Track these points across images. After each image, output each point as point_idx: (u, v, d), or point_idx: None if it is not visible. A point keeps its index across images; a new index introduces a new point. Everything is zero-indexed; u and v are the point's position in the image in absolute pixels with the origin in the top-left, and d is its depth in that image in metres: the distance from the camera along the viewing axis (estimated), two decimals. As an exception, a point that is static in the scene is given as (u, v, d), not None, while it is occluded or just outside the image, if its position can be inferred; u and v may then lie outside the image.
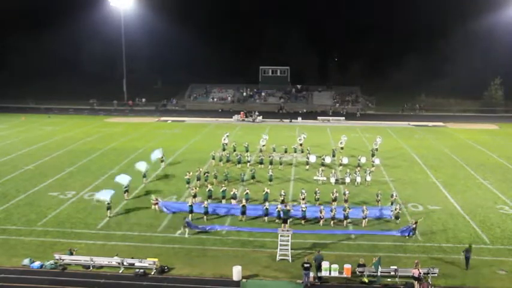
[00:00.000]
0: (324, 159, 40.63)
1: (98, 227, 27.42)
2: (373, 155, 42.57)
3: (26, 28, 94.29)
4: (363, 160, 40.57)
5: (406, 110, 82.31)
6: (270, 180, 35.40)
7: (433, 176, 38.97)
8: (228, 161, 41.84)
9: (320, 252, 22.63)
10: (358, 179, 35.64)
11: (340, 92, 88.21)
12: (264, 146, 46.50)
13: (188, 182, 34.20)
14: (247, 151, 43.29)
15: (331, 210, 27.88)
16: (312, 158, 41.01)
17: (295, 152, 44.25)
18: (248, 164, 40.43)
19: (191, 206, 28.66)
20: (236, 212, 29.16)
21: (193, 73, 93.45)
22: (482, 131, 63.40)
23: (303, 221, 28.04)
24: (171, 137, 56.17)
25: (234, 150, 43.20)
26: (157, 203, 30.07)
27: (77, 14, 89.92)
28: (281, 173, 38.88)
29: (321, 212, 27.90)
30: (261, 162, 40.45)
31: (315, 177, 36.68)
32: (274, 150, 43.92)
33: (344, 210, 27.78)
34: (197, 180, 34.59)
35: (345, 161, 40.84)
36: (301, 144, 46.47)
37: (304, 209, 28.15)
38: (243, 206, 28.68)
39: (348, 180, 35.70)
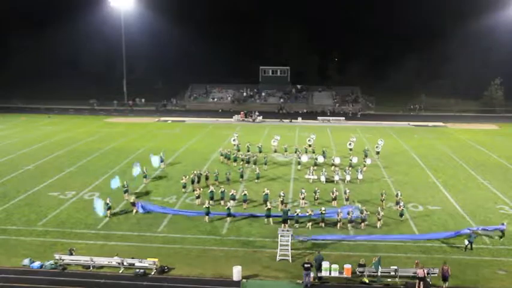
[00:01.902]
0: (316, 159, 41.16)
1: (98, 227, 27.40)
2: (366, 156, 42.71)
3: (26, 28, 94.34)
4: (355, 160, 40.82)
5: (407, 110, 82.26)
6: (257, 178, 36.42)
7: (433, 176, 38.96)
8: (229, 159, 42.10)
9: (320, 252, 22.64)
10: (348, 177, 35.89)
11: (340, 92, 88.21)
12: (276, 146, 46.89)
13: (184, 187, 33.91)
14: (260, 151, 44.16)
15: (348, 213, 27.69)
16: (304, 158, 41.35)
17: (306, 152, 44.54)
18: (254, 164, 40.70)
19: (208, 208, 28.27)
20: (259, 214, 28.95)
21: (193, 73, 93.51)
22: (482, 131, 63.40)
23: (322, 224, 27.61)
24: (171, 137, 56.15)
25: (248, 151, 43.82)
26: (134, 204, 29.79)
27: (77, 14, 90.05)
28: (281, 173, 38.93)
29: (338, 215, 27.69)
30: (247, 161, 40.78)
31: (306, 176, 37.10)
32: (285, 151, 45.21)
33: (361, 212, 27.59)
34: (192, 183, 34.35)
35: (337, 161, 41.03)
36: (310, 145, 46.73)
37: (323, 212, 27.78)
38: (268, 209, 28.20)
39: (337, 178, 36.01)
